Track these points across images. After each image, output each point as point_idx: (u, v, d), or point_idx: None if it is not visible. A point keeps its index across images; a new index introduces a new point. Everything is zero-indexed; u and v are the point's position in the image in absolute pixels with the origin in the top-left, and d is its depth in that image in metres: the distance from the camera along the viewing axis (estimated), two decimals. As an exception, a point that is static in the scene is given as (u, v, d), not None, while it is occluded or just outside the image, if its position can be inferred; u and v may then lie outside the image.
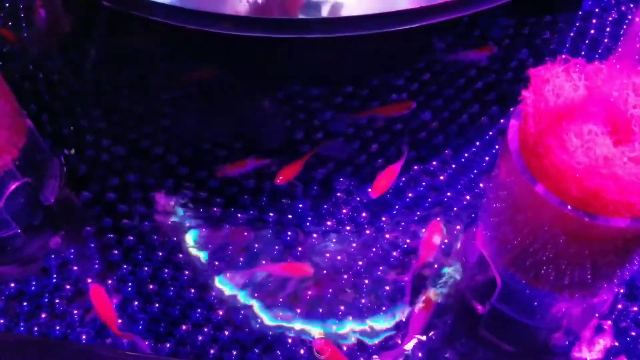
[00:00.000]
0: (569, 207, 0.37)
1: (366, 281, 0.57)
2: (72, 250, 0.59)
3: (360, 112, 0.68)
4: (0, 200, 0.53)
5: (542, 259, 0.43)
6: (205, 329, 0.55)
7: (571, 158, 0.35)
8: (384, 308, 0.56)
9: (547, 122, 0.37)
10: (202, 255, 0.60)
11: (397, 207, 0.62)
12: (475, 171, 0.64)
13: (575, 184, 0.36)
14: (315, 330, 0.55)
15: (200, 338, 0.55)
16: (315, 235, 0.60)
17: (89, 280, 0.57)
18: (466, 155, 0.65)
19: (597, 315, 0.52)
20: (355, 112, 0.67)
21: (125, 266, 0.59)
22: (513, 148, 0.39)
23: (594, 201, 0.36)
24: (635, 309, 0.55)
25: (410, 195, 0.62)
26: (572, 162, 0.35)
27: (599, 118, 0.36)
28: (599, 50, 0.74)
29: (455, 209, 0.61)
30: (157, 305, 0.57)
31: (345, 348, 0.54)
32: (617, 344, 0.53)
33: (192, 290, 0.57)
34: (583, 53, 0.73)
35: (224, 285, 0.58)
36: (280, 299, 0.57)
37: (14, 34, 0.74)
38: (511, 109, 0.68)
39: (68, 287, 0.57)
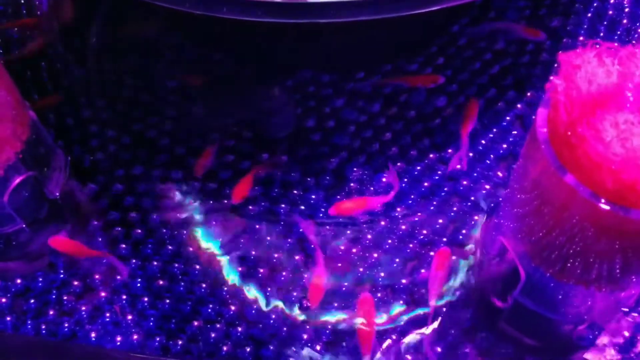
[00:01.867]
0: (603, 200, 0.35)
1: (382, 274, 0.56)
2: (79, 245, 0.58)
3: (386, 79, 0.66)
4: (4, 195, 0.52)
5: (569, 252, 0.42)
6: (218, 325, 0.54)
7: (607, 149, 0.33)
8: (400, 302, 0.54)
9: (579, 111, 0.35)
10: (213, 249, 0.58)
11: (412, 196, 0.60)
12: (492, 157, 0.62)
13: (610, 176, 0.34)
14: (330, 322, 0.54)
15: (213, 335, 0.53)
16: (328, 227, 0.58)
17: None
18: (483, 142, 0.63)
19: (622, 308, 0.50)
20: (383, 79, 0.66)
21: (134, 261, 0.57)
22: (542, 138, 0.37)
23: (630, 194, 0.34)
24: (660, 300, 0.53)
25: (425, 184, 0.61)
26: (608, 153, 0.33)
27: (635, 106, 0.34)
28: (618, 32, 0.71)
29: (472, 198, 0.59)
30: (167, 301, 0.55)
31: (361, 343, 0.53)
32: (643, 337, 0.52)
33: (203, 285, 0.56)
34: (602, 34, 0.71)
35: (235, 279, 0.56)
36: (294, 293, 0.55)
37: (32, 19, 0.72)
38: (528, 94, 0.66)
39: (76, 283, 0.56)
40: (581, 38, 0.69)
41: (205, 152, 0.63)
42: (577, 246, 0.41)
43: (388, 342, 0.53)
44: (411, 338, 0.53)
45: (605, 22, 0.71)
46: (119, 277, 0.56)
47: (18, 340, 0.45)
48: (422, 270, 0.56)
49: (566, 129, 0.35)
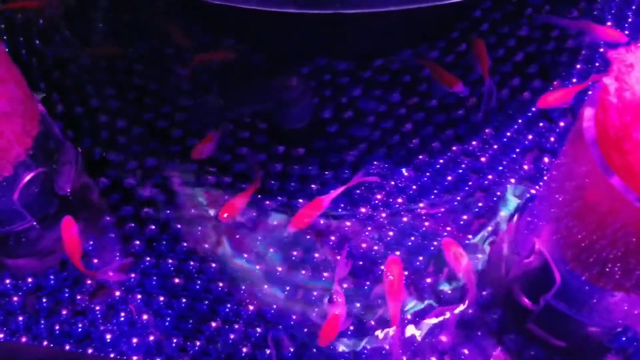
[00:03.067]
0: (654, 207, 0.33)
1: (405, 272, 0.54)
2: (92, 242, 0.56)
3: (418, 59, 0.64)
4: (14, 192, 0.49)
5: (609, 257, 0.40)
6: (236, 326, 0.52)
7: (664, 156, 0.31)
8: (425, 302, 0.53)
9: (633, 115, 0.32)
10: (228, 246, 0.56)
11: (435, 191, 0.58)
12: (517, 150, 0.60)
13: (666, 184, 0.32)
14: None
15: (232, 336, 0.52)
16: (348, 223, 0.56)
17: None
18: (508, 134, 0.61)
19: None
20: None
21: (148, 258, 0.55)
22: (590, 139, 0.35)
23: (684, 202, 0.32)
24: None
25: (449, 178, 0.58)
26: (666, 160, 0.31)
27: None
28: (647, 17, 0.68)
29: (498, 193, 0.57)
30: (183, 300, 0.53)
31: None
32: (678, 340, 0.50)
33: (220, 284, 0.54)
34: (630, 20, 0.68)
35: (252, 277, 0.55)
36: (314, 293, 0.53)
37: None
38: (555, 82, 0.64)
39: (89, 281, 0.54)
40: (609, 24, 0.67)
41: (206, 136, 0.60)
42: (619, 251, 0.39)
43: (412, 341, 0.51)
44: (435, 338, 0.51)
45: (633, 7, 0.69)
46: (133, 275, 0.54)
47: (33, 351, 0.43)
48: (446, 269, 0.54)
49: (617, 132, 0.33)
